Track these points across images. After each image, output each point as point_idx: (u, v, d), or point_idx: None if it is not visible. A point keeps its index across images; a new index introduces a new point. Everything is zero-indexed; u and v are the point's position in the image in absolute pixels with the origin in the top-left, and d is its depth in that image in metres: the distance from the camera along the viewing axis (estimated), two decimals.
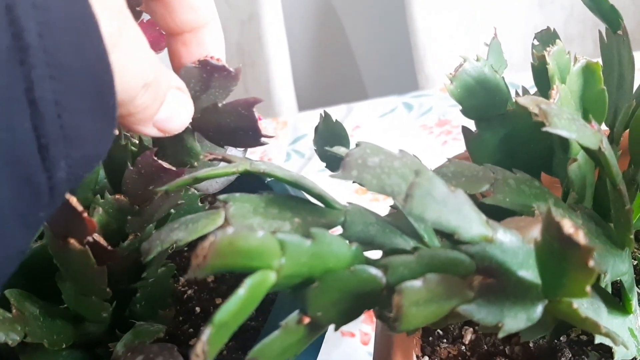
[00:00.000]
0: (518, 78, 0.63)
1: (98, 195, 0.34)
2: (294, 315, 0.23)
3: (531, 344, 0.34)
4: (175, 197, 0.35)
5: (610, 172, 0.27)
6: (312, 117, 0.93)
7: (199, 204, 0.40)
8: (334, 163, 0.36)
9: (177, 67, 0.32)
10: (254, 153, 0.86)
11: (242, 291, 0.20)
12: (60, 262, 0.33)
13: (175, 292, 0.45)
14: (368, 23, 1.46)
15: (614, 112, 0.35)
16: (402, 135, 0.85)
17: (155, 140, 0.35)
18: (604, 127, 0.34)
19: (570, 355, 0.33)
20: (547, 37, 0.36)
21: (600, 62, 0.33)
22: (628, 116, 0.33)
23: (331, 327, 0.24)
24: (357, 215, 0.27)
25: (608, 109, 0.33)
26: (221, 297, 0.44)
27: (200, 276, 0.19)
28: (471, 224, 0.22)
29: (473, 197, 0.28)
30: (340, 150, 0.29)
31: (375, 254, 0.25)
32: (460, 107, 0.34)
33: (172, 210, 0.37)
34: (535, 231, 0.23)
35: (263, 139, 0.33)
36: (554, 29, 0.36)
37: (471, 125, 0.35)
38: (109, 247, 0.32)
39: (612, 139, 0.35)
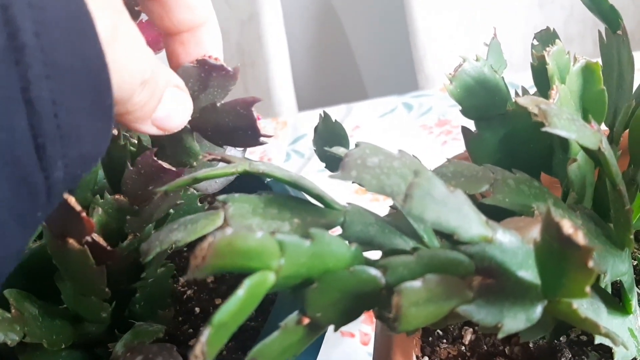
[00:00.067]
0: (518, 78, 0.63)
1: (97, 195, 0.34)
2: (294, 315, 0.23)
3: (531, 344, 0.34)
4: (174, 197, 0.35)
5: (610, 172, 0.27)
6: (312, 117, 0.93)
7: (198, 204, 0.40)
8: (333, 163, 0.36)
9: (175, 67, 0.32)
10: (253, 153, 0.86)
11: (241, 292, 0.19)
12: (59, 262, 0.33)
13: (175, 293, 0.45)
14: (368, 23, 1.46)
15: (613, 112, 0.35)
16: (402, 135, 0.85)
17: (154, 140, 0.35)
18: (603, 127, 0.34)
19: (570, 355, 0.33)
20: (546, 37, 0.36)
21: (600, 62, 0.33)
22: (628, 116, 0.33)
23: (331, 327, 0.24)
24: (356, 216, 0.27)
25: (608, 109, 0.33)
26: (221, 297, 0.44)
27: (199, 277, 0.19)
28: (470, 224, 0.22)
29: (472, 198, 0.28)
30: (339, 150, 0.29)
31: (374, 255, 0.25)
32: (460, 107, 0.34)
33: (172, 210, 0.37)
34: (535, 231, 0.23)
35: (262, 139, 0.32)
36: (554, 29, 0.36)
37: (471, 125, 0.35)
38: (108, 247, 0.32)
39: (612, 139, 0.35)
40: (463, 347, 0.35)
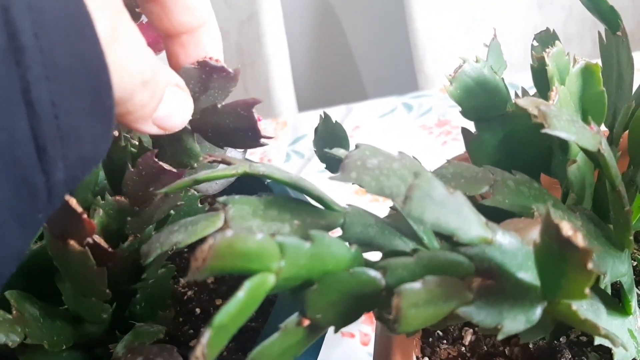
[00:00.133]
0: (518, 78, 0.63)
1: (98, 197, 0.34)
2: (294, 317, 0.23)
3: (531, 345, 0.34)
4: (175, 199, 0.35)
5: (610, 173, 0.27)
6: (312, 118, 0.93)
7: (199, 205, 0.40)
8: (333, 164, 0.36)
9: (176, 68, 0.32)
10: (253, 154, 0.86)
11: (241, 294, 0.20)
12: (60, 263, 0.33)
13: (175, 293, 0.45)
14: (368, 23, 1.46)
15: (613, 113, 0.35)
16: (402, 136, 0.85)
17: (155, 141, 0.35)
18: (603, 128, 0.34)
19: (570, 356, 0.33)
20: (546, 38, 0.36)
21: (600, 63, 0.33)
22: (627, 117, 0.33)
23: (331, 328, 0.24)
24: (356, 217, 0.27)
25: (607, 110, 0.33)
26: (221, 298, 0.44)
27: (199, 279, 0.19)
28: (470, 225, 0.22)
29: (472, 199, 0.28)
30: (339, 152, 0.29)
31: (374, 256, 0.25)
32: (460, 109, 0.34)
33: (172, 212, 0.37)
34: (534, 233, 0.23)
35: (262, 140, 0.33)
36: (554, 30, 0.36)
37: (471, 126, 0.35)
38: (109, 249, 0.32)
39: (612, 140, 0.35)
40: (463, 348, 0.35)
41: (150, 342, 0.35)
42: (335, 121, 0.36)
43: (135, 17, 0.36)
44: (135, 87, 0.26)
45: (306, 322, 0.23)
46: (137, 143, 0.35)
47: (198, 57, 0.32)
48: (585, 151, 0.29)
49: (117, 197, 0.34)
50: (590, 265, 0.19)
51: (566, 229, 0.19)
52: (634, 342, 0.30)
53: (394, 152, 0.24)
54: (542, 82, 0.32)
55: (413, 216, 0.22)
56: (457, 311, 0.23)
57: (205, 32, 0.32)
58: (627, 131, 0.32)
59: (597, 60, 0.33)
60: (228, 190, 0.36)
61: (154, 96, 0.27)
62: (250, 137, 0.32)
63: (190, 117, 0.31)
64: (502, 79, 0.34)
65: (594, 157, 0.28)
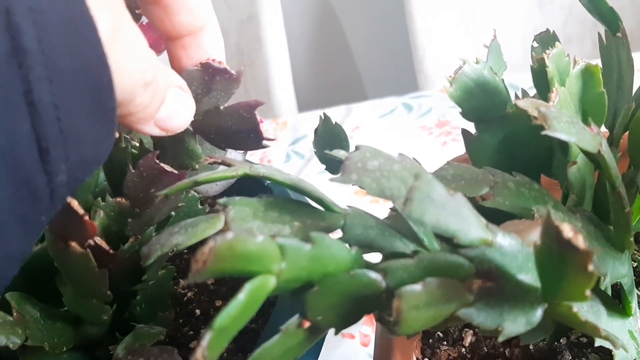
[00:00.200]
0: (518, 78, 0.63)
1: (99, 198, 0.34)
2: (294, 319, 0.23)
3: (531, 347, 0.34)
4: (175, 200, 0.35)
5: (610, 174, 0.27)
6: (312, 118, 0.93)
7: (199, 206, 0.40)
8: (333, 165, 0.36)
9: (178, 70, 0.32)
10: (253, 154, 0.86)
11: (242, 296, 0.20)
12: (60, 264, 0.33)
13: (175, 295, 0.45)
14: (367, 23, 1.46)
15: (613, 114, 0.35)
16: (402, 136, 0.85)
17: (156, 143, 0.35)
18: (603, 129, 0.34)
19: (570, 357, 0.33)
20: (546, 39, 0.36)
21: (600, 64, 0.33)
22: (627, 118, 0.33)
23: (331, 330, 0.24)
24: (356, 219, 0.27)
25: (607, 111, 0.33)
26: (221, 299, 0.44)
27: (200, 281, 0.19)
28: (470, 227, 0.22)
29: (472, 200, 0.28)
30: (339, 153, 0.29)
31: (374, 257, 0.25)
32: (460, 110, 0.34)
33: (173, 213, 0.37)
34: (535, 235, 0.23)
35: (264, 142, 0.33)
36: (554, 31, 0.36)
37: (471, 127, 0.35)
38: (110, 250, 0.32)
39: (612, 141, 0.35)
40: (463, 349, 0.35)
41: (151, 344, 0.35)
42: (335, 122, 0.36)
43: (136, 18, 0.36)
44: (136, 87, 0.26)
45: (307, 324, 0.23)
46: (137, 144, 0.35)
47: (200, 59, 0.32)
48: (586, 152, 0.29)
49: (118, 199, 0.34)
50: (590, 267, 0.19)
51: (567, 230, 0.19)
52: (635, 343, 0.30)
53: (394, 153, 0.24)
54: (542, 83, 0.32)
55: (413, 218, 0.22)
56: (457, 313, 0.23)
57: (207, 34, 0.32)
58: (627, 132, 0.32)
59: (597, 62, 0.33)
60: (228, 192, 0.36)
61: (155, 97, 0.27)
62: (252, 139, 0.33)
63: (193, 119, 0.31)
64: (502, 80, 0.35)
65: (594, 159, 0.28)
